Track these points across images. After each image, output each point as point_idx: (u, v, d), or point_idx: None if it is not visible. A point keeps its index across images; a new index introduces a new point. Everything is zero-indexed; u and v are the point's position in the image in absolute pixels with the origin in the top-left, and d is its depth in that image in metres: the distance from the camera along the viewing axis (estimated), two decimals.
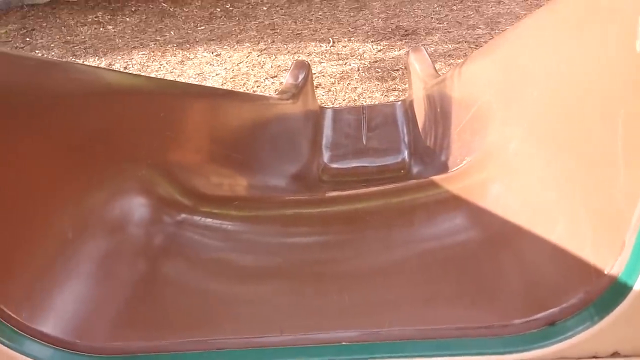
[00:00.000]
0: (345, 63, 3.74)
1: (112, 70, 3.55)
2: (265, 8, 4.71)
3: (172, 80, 3.23)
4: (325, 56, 3.87)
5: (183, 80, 3.74)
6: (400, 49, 3.82)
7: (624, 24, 0.53)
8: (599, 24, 0.62)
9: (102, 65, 4.04)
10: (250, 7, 4.76)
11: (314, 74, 3.44)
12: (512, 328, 0.59)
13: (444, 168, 1.56)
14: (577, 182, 0.63)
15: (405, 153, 2.39)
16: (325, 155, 2.44)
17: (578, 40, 0.68)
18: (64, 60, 3.99)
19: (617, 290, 0.54)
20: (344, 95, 3.40)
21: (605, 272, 0.55)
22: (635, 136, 0.53)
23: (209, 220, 0.92)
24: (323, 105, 3.12)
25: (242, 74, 3.76)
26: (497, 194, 0.81)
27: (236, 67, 3.86)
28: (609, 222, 0.57)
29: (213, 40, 4.27)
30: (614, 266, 0.55)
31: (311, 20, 4.40)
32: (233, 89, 3.47)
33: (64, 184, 0.75)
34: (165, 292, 0.72)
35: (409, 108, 2.67)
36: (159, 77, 3.79)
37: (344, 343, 0.59)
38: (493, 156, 0.92)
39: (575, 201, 0.63)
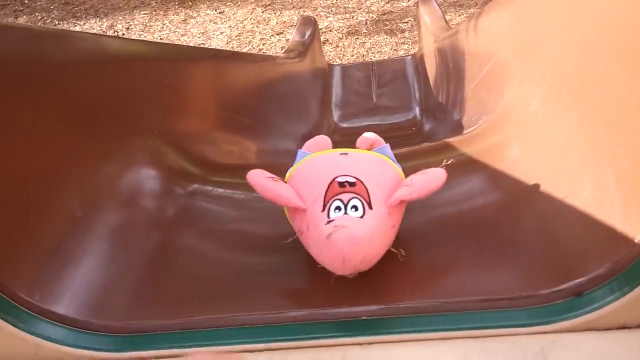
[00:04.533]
0: (353, 17, 3.64)
1: (114, 37, 3.48)
2: None
3: (174, 44, 3.16)
4: (331, 10, 3.76)
5: (187, 40, 3.66)
6: (408, 0, 3.70)
7: None
8: None
9: (104, 26, 3.96)
10: None
11: (321, 29, 3.36)
12: (537, 299, 0.57)
13: (457, 126, 1.52)
14: (604, 146, 0.60)
15: (417, 110, 2.35)
16: (335, 115, 2.41)
17: None
18: (63, 28, 3.91)
19: None
20: (352, 50, 3.32)
21: (636, 241, 0.53)
22: None
23: (219, 190, 0.90)
24: (331, 62, 3.05)
25: (247, 32, 3.68)
26: (516, 156, 0.78)
27: (240, 24, 3.78)
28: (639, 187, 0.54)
29: None
30: None
31: None
32: (237, 50, 3.40)
33: (70, 159, 0.73)
34: (180, 266, 0.71)
35: (419, 63, 2.61)
36: (162, 37, 3.72)
37: (364, 317, 0.57)
38: (511, 117, 0.88)
39: (601, 165, 0.60)
